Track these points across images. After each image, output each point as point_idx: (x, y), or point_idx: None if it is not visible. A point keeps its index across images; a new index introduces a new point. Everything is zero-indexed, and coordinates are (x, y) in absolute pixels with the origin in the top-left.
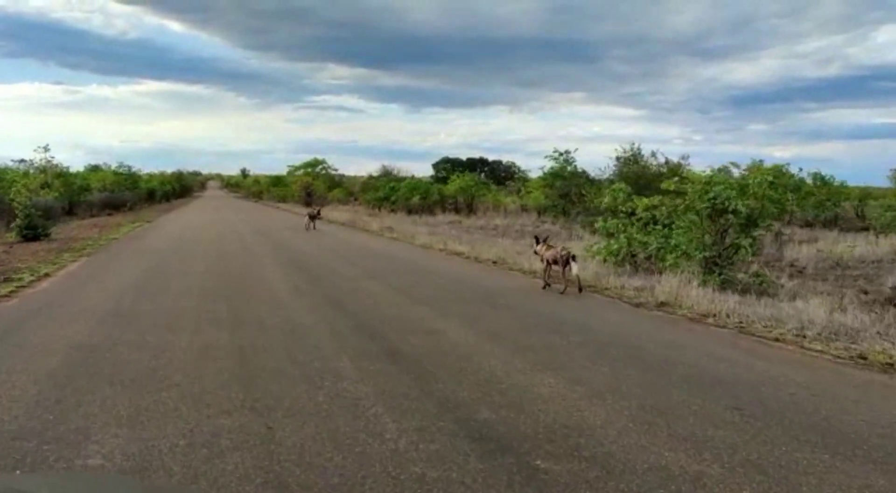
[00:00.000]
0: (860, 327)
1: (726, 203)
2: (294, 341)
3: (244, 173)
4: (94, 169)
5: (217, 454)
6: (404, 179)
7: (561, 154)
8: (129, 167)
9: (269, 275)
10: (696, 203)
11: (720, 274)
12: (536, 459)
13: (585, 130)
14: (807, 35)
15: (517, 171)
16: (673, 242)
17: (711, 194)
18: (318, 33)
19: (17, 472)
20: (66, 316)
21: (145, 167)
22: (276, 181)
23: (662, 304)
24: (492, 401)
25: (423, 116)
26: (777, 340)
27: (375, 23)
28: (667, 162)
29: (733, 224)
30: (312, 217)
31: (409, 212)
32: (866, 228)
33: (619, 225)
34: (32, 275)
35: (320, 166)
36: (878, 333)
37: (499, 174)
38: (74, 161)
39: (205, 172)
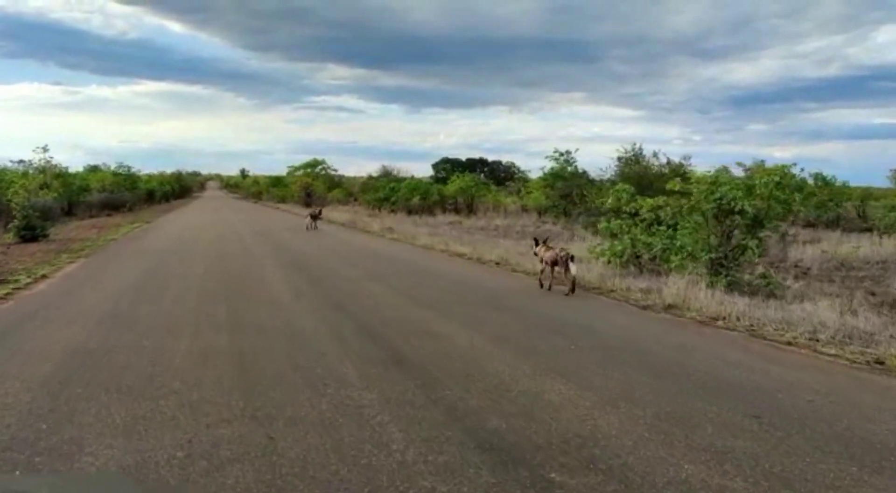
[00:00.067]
0: (873, 329)
1: (733, 204)
2: (295, 345)
3: (243, 174)
4: (94, 169)
5: (216, 467)
6: (404, 179)
7: (561, 154)
8: (129, 168)
9: (270, 276)
10: (702, 204)
11: (726, 275)
12: (551, 472)
13: (585, 131)
14: (807, 35)
15: (517, 171)
16: (678, 243)
17: (718, 195)
18: (318, 33)
19: (17, 472)
20: (63, 319)
21: (144, 168)
22: (276, 182)
23: (670, 306)
24: (501, 409)
25: (422, 116)
26: (790, 343)
27: (375, 23)
28: (668, 162)
29: (739, 225)
30: (314, 217)
31: (410, 212)
32: (869, 229)
33: (623, 226)
34: (29, 277)
35: (320, 167)
36: (892, 336)
37: (499, 175)
38: (73, 161)
39: (204, 172)
